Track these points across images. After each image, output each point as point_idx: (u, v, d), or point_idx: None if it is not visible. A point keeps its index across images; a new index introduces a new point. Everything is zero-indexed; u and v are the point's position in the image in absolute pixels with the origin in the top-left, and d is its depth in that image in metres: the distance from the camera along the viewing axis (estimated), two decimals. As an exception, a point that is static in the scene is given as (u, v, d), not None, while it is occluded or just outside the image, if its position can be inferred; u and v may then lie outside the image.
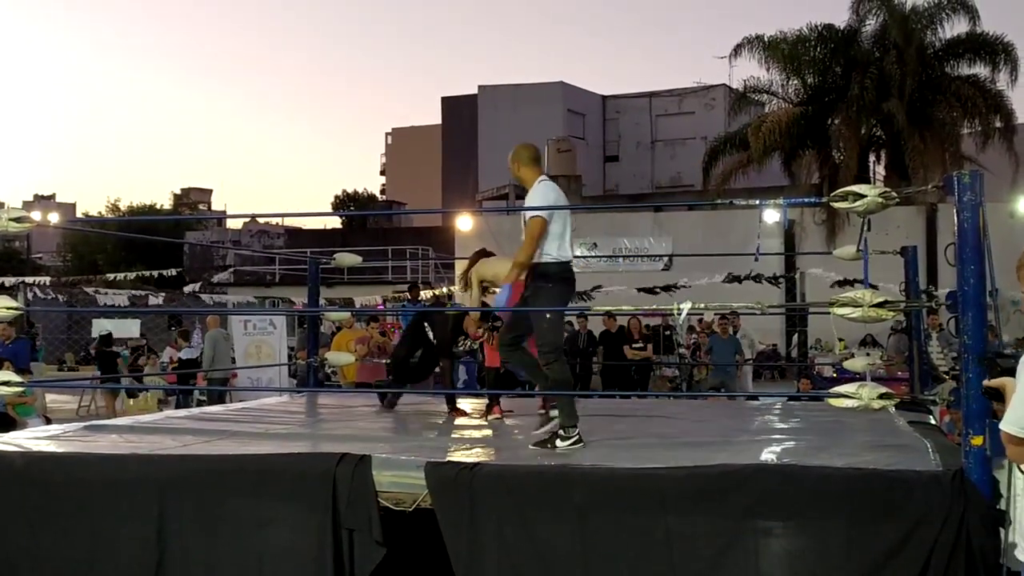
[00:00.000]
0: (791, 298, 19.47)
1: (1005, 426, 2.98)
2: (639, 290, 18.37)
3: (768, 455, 4.69)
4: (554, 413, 5.78)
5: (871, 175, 26.10)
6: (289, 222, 46.54)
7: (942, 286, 17.48)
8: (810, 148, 25.85)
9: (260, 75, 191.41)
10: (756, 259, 6.11)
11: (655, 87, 42.96)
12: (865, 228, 4.97)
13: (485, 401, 7.09)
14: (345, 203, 56.23)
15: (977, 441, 3.76)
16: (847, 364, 5.90)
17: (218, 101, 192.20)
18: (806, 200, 8.57)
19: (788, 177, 26.24)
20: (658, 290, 18.19)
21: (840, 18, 29.84)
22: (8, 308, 5.32)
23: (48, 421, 10.63)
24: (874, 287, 5.21)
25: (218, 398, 12.83)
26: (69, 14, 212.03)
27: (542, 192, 5.32)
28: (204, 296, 23.35)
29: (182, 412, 8.30)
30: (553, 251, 5.25)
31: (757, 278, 17.29)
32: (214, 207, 68.07)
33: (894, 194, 4.28)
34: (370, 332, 12.66)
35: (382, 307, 19.47)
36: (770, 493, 3.82)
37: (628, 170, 42.11)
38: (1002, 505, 3.69)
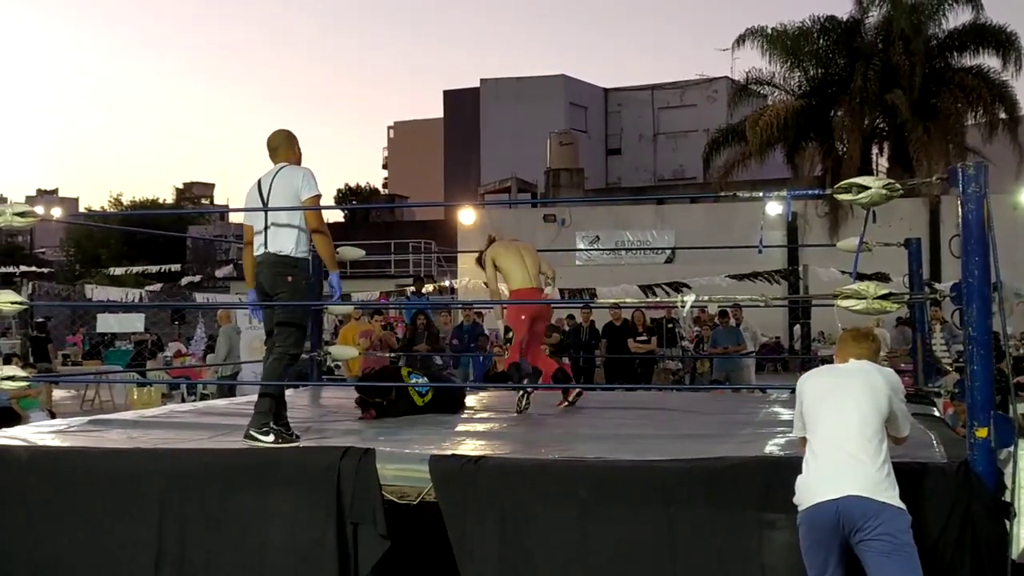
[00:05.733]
0: (794, 291, 19.43)
1: None
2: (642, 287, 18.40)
3: (772, 447, 4.68)
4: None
5: (874, 167, 26.02)
6: (292, 216, 46.26)
7: (946, 278, 17.44)
8: (813, 140, 25.77)
9: (262, 69, 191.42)
10: (760, 252, 6.10)
11: (657, 80, 42.99)
12: (869, 220, 4.94)
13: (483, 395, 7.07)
14: (347, 197, 56.15)
15: (982, 433, 3.75)
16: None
17: (220, 95, 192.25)
18: (810, 192, 8.56)
19: (791, 170, 26.16)
20: (662, 287, 18.19)
21: (843, 9, 29.75)
22: (13, 303, 5.30)
23: (52, 415, 10.63)
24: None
25: (229, 392, 12.82)
26: (72, 9, 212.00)
27: None
28: (198, 295, 23.34)
29: (185, 406, 8.29)
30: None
31: (759, 275, 17.23)
32: (217, 201, 67.97)
33: (898, 186, 4.26)
34: (373, 325, 12.64)
35: (384, 300, 19.44)
36: (774, 485, 3.82)
37: (630, 163, 42.07)
38: (1007, 497, 3.69)
